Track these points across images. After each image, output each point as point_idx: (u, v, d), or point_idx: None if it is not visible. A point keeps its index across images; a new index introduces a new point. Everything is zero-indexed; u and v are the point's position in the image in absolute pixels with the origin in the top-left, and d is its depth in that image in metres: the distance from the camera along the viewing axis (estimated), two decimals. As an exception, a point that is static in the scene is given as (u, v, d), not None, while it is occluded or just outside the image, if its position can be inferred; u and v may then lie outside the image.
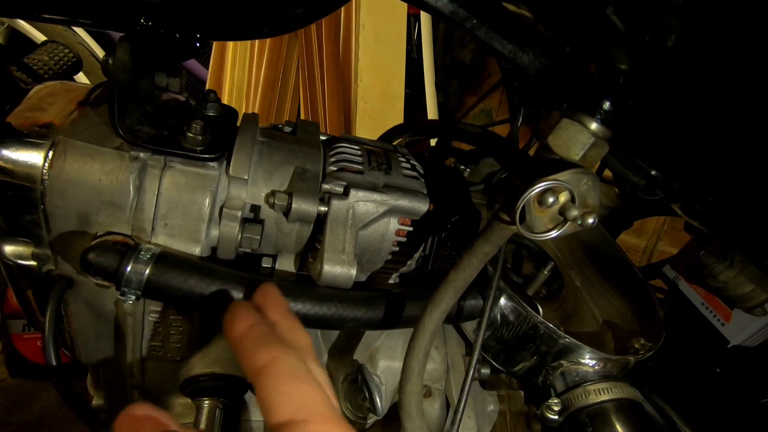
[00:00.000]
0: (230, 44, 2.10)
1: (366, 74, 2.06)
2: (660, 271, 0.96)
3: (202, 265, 0.44)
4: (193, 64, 2.16)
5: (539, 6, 0.35)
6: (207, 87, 2.11)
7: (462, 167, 0.82)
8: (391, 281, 0.63)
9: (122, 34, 0.42)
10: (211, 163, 0.48)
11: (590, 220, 0.35)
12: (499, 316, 0.58)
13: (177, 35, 0.40)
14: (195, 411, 0.54)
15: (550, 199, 0.34)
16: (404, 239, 0.56)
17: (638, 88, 0.33)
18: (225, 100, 2.16)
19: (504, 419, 0.76)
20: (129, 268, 0.40)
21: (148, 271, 0.41)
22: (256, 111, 2.09)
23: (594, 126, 0.36)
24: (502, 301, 0.58)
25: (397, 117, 2.08)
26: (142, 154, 0.45)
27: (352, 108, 2.06)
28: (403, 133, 0.69)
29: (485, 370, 0.68)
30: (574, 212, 0.35)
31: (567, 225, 0.36)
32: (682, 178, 0.51)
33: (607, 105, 0.35)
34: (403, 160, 0.61)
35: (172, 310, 0.50)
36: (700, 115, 0.37)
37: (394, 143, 0.87)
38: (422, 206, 0.55)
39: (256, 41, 2.10)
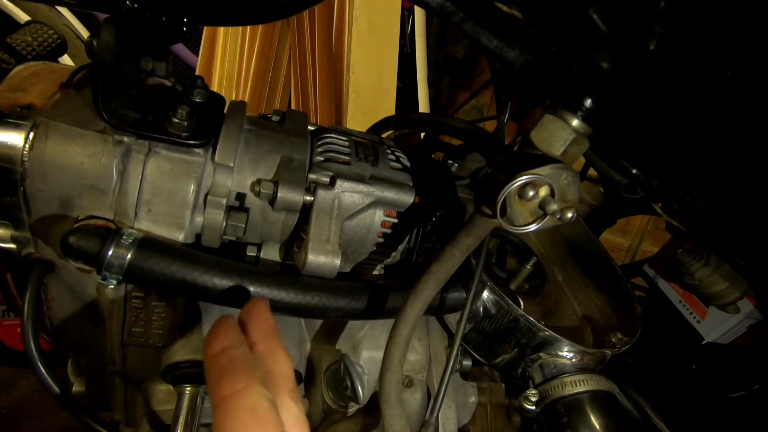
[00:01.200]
0: (221, 32, 2.07)
1: (358, 67, 2.04)
2: (641, 270, 0.98)
3: (186, 251, 0.44)
4: (183, 50, 2.13)
5: (528, 6, 0.35)
6: (196, 74, 2.08)
7: (450, 162, 0.82)
8: (375, 272, 0.63)
9: (107, 15, 0.41)
10: (197, 150, 0.48)
11: (569, 215, 0.36)
12: (481, 309, 0.59)
13: (163, 18, 0.40)
14: (176, 398, 0.54)
15: (531, 193, 0.35)
16: (389, 231, 0.57)
17: (619, 87, 0.34)
18: (215, 90, 2.13)
19: (485, 411, 0.78)
20: (110, 252, 0.40)
21: (129, 256, 0.41)
22: (246, 101, 2.07)
23: (575, 123, 0.36)
24: (485, 294, 0.59)
25: (388, 111, 2.08)
26: (126, 139, 0.45)
27: (343, 100, 2.05)
28: (391, 126, 0.69)
29: (467, 362, 0.69)
30: (554, 206, 0.35)
31: (546, 219, 0.36)
32: (661, 177, 0.53)
33: (588, 103, 0.36)
34: (390, 152, 0.61)
35: (155, 296, 0.50)
36: (679, 117, 0.38)
37: (383, 136, 0.88)
38: (408, 198, 0.55)
39: (248, 30, 2.08)
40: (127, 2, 0.38)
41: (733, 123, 0.37)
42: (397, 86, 2.16)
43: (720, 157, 0.43)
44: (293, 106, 2.13)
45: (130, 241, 0.41)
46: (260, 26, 2.07)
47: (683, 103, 0.35)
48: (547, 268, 0.85)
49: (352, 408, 0.63)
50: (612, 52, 0.32)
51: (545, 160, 0.36)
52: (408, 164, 0.60)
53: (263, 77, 2.09)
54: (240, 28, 2.09)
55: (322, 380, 0.63)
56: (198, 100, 0.53)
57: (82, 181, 0.44)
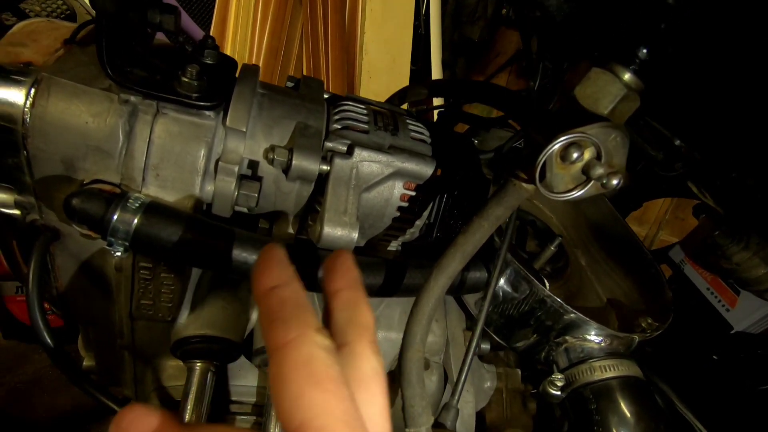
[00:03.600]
0: (232, 8, 2.03)
1: (371, 48, 2.00)
2: (665, 256, 0.94)
3: (195, 218, 0.42)
4: (195, 28, 2.09)
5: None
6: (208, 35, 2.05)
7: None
8: (392, 249, 0.60)
9: (111, -39, 0.38)
10: (207, 112, 0.45)
11: (615, 182, 0.32)
12: (502, 290, 0.56)
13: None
14: (186, 373, 0.53)
15: (575, 155, 0.31)
16: (408, 204, 0.54)
17: (682, 33, 0.30)
18: (226, 68, 2.10)
19: (500, 397, 0.75)
20: (116, 217, 0.37)
21: (136, 221, 0.38)
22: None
23: (627, 76, 0.32)
24: (508, 273, 0.56)
25: (402, 92, 2.02)
26: (132, 98, 0.42)
27: (356, 81, 2.01)
28: (412, 94, 0.65)
29: (485, 345, 0.66)
30: (599, 170, 0.32)
31: (590, 185, 0.33)
32: (707, 148, 0.48)
33: (643, 53, 0.32)
34: (411, 122, 0.57)
35: (164, 267, 0.48)
36: (746, 74, 0.33)
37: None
38: (428, 170, 0.52)
39: (260, 7, 2.03)
40: (132, -56, 0.35)
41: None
42: (411, 68, 2.11)
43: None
44: (305, 87, 2.09)
45: (137, 205, 0.39)
46: (272, 4, 2.03)
47: (754, 57, 0.31)
48: (569, 251, 0.81)
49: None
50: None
51: (591, 117, 0.32)
52: (429, 135, 0.56)
53: (275, 57, 2.05)
54: (252, 5, 2.05)
55: (336, 360, 0.60)
56: (209, 62, 0.50)
57: (87, 141, 0.41)
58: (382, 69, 2.06)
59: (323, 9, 1.99)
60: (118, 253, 0.39)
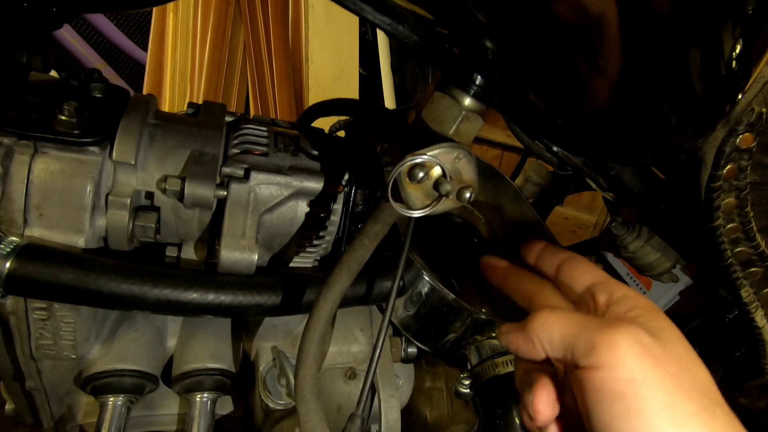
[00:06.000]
0: (170, 23, 1.99)
1: (317, 56, 2.00)
2: (593, 246, 1.00)
3: (77, 257, 0.42)
4: (130, 45, 2.04)
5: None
6: (147, 70, 2.00)
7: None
8: (310, 264, 0.61)
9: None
10: (91, 148, 0.45)
11: (467, 195, 0.35)
12: (414, 295, 0.59)
13: (26, 6, 0.36)
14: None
15: (420, 175, 0.34)
16: (314, 222, 0.55)
17: (508, 64, 0.33)
18: (167, 84, 2.05)
19: (441, 395, 0.78)
20: (-15, 263, 0.37)
21: (9, 265, 0.38)
22: (200, 95, 2.00)
23: (467, 101, 0.35)
24: (416, 279, 0.58)
25: (348, 100, 2.03)
26: (6, 140, 0.42)
27: (304, 92, 2.01)
28: (318, 114, 0.67)
29: (412, 350, 0.68)
30: (447, 187, 0.34)
31: (442, 200, 0.35)
32: (580, 152, 0.52)
33: (479, 79, 0.35)
34: (314, 141, 0.59)
35: (60, 306, 0.47)
36: (573, 92, 0.36)
37: (333, 125, 0.85)
38: (330, 188, 0.53)
39: (199, 21, 2.00)
40: (-18, -11, 0.35)
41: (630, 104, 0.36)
42: (361, 74, 2.12)
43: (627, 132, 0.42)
44: (251, 100, 2.07)
45: (9, 249, 0.38)
46: (211, 16, 2.00)
47: (570, 77, 0.34)
48: (496, 249, 0.85)
49: (292, 404, 0.61)
50: (494, 38, 0.31)
51: (437, 139, 0.35)
52: (333, 152, 0.58)
53: (218, 70, 2.02)
54: (191, 18, 2.01)
55: (258, 380, 0.61)
56: (96, 95, 0.49)
57: (-43, 188, 0.40)
58: (330, 76, 2.07)
59: (264, 20, 1.98)
60: (-3, 299, 0.39)
